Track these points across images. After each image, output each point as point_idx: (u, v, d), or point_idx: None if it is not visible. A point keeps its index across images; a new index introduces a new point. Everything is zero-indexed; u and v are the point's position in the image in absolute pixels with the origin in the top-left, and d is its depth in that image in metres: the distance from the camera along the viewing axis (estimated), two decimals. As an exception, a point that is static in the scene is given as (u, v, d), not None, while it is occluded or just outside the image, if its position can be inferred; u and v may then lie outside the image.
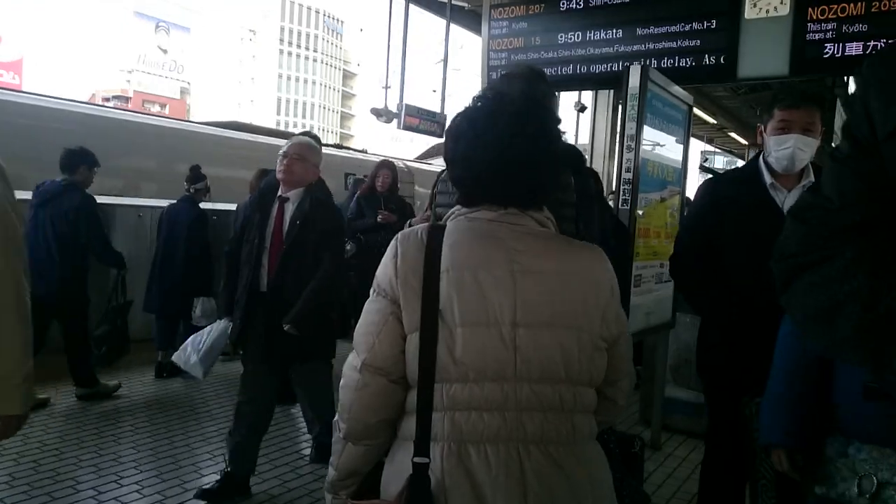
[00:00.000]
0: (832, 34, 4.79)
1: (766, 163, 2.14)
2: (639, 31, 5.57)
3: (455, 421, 1.08)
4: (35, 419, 3.99)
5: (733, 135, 16.39)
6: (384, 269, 1.18)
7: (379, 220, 5.29)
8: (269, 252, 2.99)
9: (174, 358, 3.21)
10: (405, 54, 8.16)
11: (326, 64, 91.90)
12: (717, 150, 25.89)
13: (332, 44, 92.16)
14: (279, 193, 3.07)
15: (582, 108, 12.17)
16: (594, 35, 5.77)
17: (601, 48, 5.74)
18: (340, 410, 1.18)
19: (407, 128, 8.01)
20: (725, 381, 2.07)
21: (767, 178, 2.12)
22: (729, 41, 5.17)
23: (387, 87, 7.46)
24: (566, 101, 12.55)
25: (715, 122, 14.94)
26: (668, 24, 5.43)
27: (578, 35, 5.85)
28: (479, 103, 1.21)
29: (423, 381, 1.10)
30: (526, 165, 1.16)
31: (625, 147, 2.82)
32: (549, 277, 1.14)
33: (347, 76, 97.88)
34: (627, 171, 2.83)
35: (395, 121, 7.76)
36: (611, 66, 5.73)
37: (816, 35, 4.85)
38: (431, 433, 1.09)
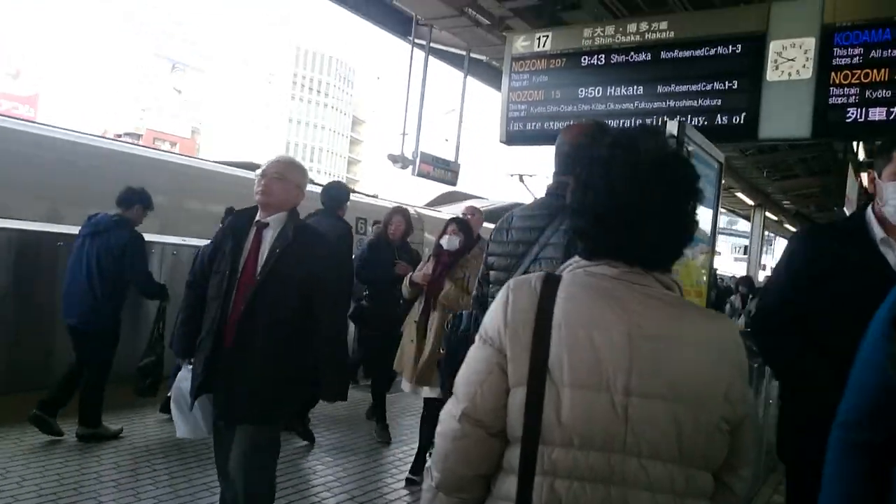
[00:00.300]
0: (855, 99, 4.80)
1: (875, 214, 1.90)
2: (660, 89, 5.60)
3: (555, 489, 1.00)
4: (54, 452, 3.84)
5: (740, 195, 16.46)
6: (493, 316, 1.11)
7: (397, 271, 4.86)
8: (239, 285, 2.53)
9: (179, 435, 2.76)
10: (422, 104, 8.25)
11: (336, 110, 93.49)
12: (722, 210, 25.92)
13: (343, 91, 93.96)
14: (257, 218, 2.65)
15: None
16: (615, 91, 5.81)
17: (622, 104, 5.77)
18: (435, 458, 1.12)
19: (421, 175, 8.04)
20: (815, 471, 1.75)
21: (878, 232, 1.87)
22: (750, 102, 5.19)
23: (404, 134, 7.51)
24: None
25: (723, 181, 14.97)
26: (690, 83, 5.46)
27: (599, 90, 5.89)
28: (613, 151, 1.13)
29: (526, 442, 1.02)
30: (659, 222, 1.08)
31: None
32: (669, 345, 1.04)
33: (356, 122, 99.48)
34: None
35: (409, 167, 7.77)
36: (632, 122, 5.74)
37: (839, 99, 4.86)
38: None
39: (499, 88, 13.00)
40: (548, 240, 1.95)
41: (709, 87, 5.39)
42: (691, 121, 5.31)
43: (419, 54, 8.61)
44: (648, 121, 5.62)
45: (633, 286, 1.08)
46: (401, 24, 10.05)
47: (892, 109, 4.66)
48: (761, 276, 17.63)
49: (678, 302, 1.11)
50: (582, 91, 5.98)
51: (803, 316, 1.91)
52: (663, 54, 5.60)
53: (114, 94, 75.93)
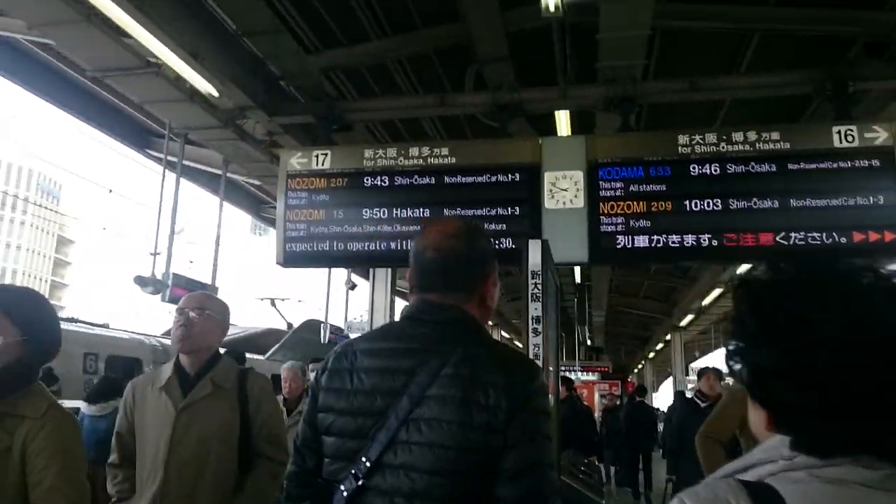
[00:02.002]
0: (622, 227, 5.23)
1: None
2: (446, 212, 5.57)
3: None
4: None
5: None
6: None
7: None
8: None
9: None
10: (174, 224, 7.28)
11: (37, 228, 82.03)
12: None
13: (45, 207, 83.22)
14: None
15: (352, 286, 12.01)
16: (400, 213, 5.64)
17: (409, 226, 5.59)
18: None
19: (173, 300, 6.91)
20: None
21: None
22: (532, 227, 5.35)
23: (154, 254, 6.42)
24: (338, 279, 12.31)
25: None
26: (475, 208, 5.52)
27: (384, 212, 5.67)
28: (867, 279, 0.69)
29: None
30: None
31: (531, 331, 2.47)
32: None
33: (63, 242, 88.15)
34: (536, 356, 2.46)
35: (161, 292, 6.63)
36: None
37: (609, 227, 5.26)
38: None
39: (249, 210, 12.34)
40: (423, 390, 1.28)
41: (493, 212, 5.49)
42: (485, 244, 5.32)
43: (157, 167, 7.77)
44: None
45: None
46: (137, 137, 9.07)
47: (653, 237, 5.16)
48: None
49: None
50: (366, 212, 5.71)
51: None
52: (447, 179, 5.63)
53: None
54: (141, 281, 6.12)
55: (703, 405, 5.05)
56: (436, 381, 1.27)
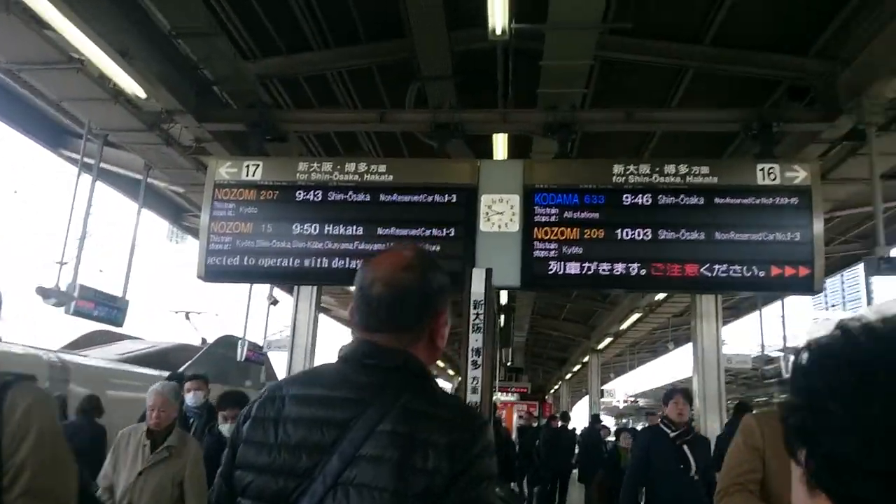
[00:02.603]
0: (555, 253, 5.27)
1: None
2: (380, 231, 5.45)
3: None
4: None
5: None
6: None
7: None
8: None
9: None
10: (85, 230, 6.79)
11: (-75, 225, 75.70)
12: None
13: (-64, 203, 77.00)
14: None
15: (274, 302, 11.61)
16: (332, 230, 5.48)
17: (340, 244, 5.44)
18: None
19: (78, 313, 6.44)
20: None
21: None
22: (466, 250, 5.30)
23: (62, 263, 5.96)
24: (259, 293, 11.87)
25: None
26: (410, 228, 5.43)
27: (315, 227, 5.49)
28: None
29: None
30: None
31: (469, 363, 2.38)
32: None
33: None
34: (474, 391, 2.37)
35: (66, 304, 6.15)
36: (349, 263, 5.42)
37: (542, 252, 5.28)
38: None
39: (169, 218, 11.77)
40: (356, 448, 1.10)
41: (428, 232, 5.41)
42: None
43: (71, 167, 7.27)
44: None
45: None
46: (51, 135, 8.50)
47: (584, 265, 5.22)
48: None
49: None
50: (297, 227, 5.51)
51: None
52: (382, 196, 5.52)
53: None
54: (43, 292, 5.63)
55: (672, 434, 4.68)
56: (370, 438, 1.11)
